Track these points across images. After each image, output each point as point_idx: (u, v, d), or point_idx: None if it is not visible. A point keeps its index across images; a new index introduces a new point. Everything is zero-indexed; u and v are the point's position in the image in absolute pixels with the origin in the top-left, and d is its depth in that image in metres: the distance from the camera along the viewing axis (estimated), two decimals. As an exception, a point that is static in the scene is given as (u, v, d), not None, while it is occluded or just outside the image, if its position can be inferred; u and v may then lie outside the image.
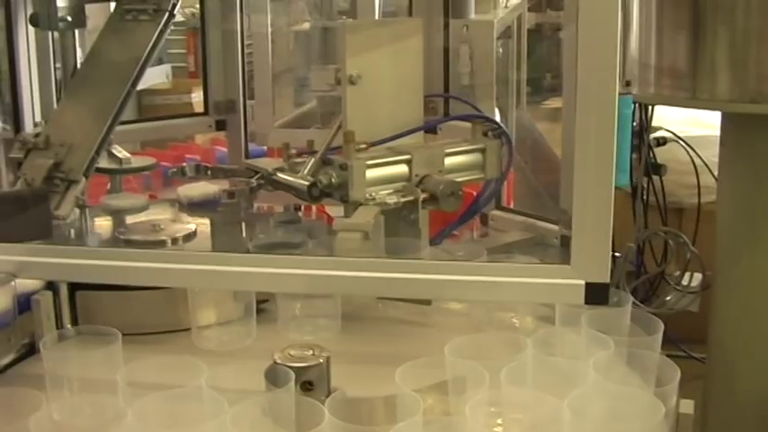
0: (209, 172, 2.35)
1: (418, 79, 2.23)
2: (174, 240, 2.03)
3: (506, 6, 3.33)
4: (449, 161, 2.19)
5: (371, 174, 2.08)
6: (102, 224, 2.22)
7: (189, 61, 6.73)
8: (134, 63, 2.26)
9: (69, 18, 2.27)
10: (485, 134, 2.26)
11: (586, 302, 1.57)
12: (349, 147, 2.08)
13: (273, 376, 1.49)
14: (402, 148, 2.16)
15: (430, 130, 2.42)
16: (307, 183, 2.11)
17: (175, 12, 2.35)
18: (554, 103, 6.13)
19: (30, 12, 2.34)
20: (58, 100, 2.47)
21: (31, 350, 1.79)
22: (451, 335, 1.65)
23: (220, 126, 2.73)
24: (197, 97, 5.82)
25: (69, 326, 1.82)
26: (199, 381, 1.47)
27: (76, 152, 2.14)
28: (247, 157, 2.73)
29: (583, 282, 1.55)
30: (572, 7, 2.20)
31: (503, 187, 2.54)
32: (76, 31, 2.42)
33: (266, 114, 2.82)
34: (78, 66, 2.37)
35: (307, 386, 1.50)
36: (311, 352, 1.54)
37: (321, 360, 1.52)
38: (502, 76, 2.91)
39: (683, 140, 3.28)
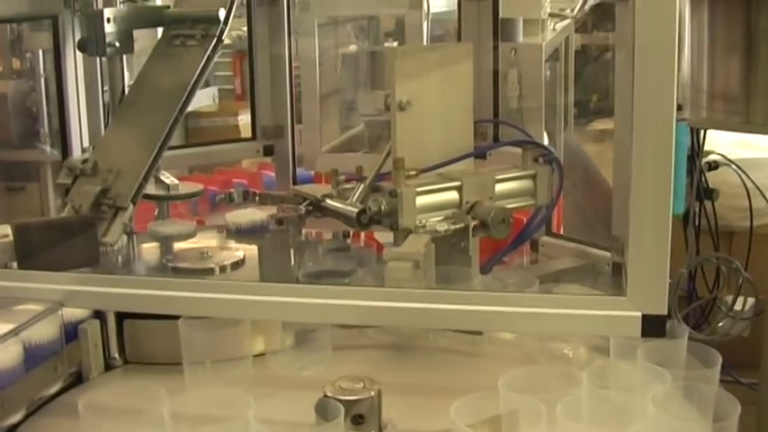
0: (256, 198, 2.34)
1: (468, 104, 2.21)
2: (222, 268, 2.01)
3: (554, 29, 3.30)
4: (499, 187, 2.16)
5: (421, 201, 2.06)
6: (150, 251, 2.21)
7: (235, 84, 6.73)
8: (182, 88, 2.25)
9: (117, 44, 2.26)
10: (535, 160, 2.23)
11: (643, 335, 1.53)
12: (399, 173, 2.05)
13: (323, 410, 1.46)
14: (452, 175, 2.13)
15: (479, 155, 2.39)
16: (356, 210, 2.09)
17: (223, 37, 2.34)
18: (600, 124, 6.07)
19: (78, 37, 2.36)
20: (105, 125, 2.48)
21: (78, 379, 1.78)
22: (503, 366, 1.63)
23: (268, 151, 2.71)
24: (243, 120, 5.81)
25: (117, 355, 1.81)
26: (247, 414, 1.45)
27: (124, 178, 2.14)
28: (295, 182, 2.71)
29: (639, 314, 1.51)
30: (624, 31, 2.18)
31: (553, 213, 2.50)
32: (124, 57, 2.42)
33: (314, 139, 2.79)
34: (126, 91, 2.36)
35: (357, 420, 1.48)
36: (362, 384, 1.51)
37: (372, 393, 1.49)
38: (549, 99, 2.88)
39: (734, 164, 3.22)
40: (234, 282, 1.79)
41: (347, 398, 1.48)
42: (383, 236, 2.48)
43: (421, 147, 2.13)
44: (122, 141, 2.22)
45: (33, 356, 1.64)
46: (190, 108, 2.28)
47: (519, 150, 2.27)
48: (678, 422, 1.49)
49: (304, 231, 2.29)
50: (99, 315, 1.79)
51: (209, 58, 2.31)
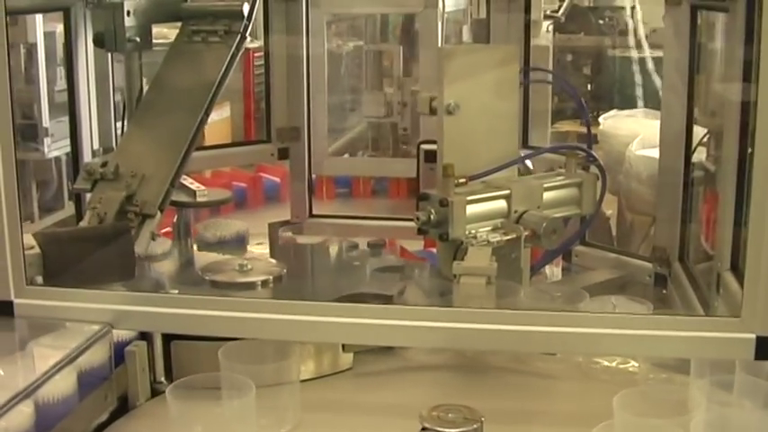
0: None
1: (514, 108, 2.09)
2: (264, 283, 1.87)
3: (548, 30, 3.22)
4: (546, 196, 2.06)
5: (471, 210, 1.94)
6: (183, 262, 2.06)
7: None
8: (206, 89, 2.12)
9: (138, 39, 2.12)
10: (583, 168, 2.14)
11: (757, 358, 1.43)
12: (448, 181, 1.93)
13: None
14: (498, 183, 2.02)
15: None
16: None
17: (247, 33, 2.21)
18: (564, 126, 6.03)
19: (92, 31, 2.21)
20: (116, 126, 2.33)
21: (123, 406, 1.62)
22: (580, 386, 1.59)
23: (283, 154, 2.57)
24: (212, 117, 5.57)
25: (163, 379, 1.66)
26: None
27: (150, 183, 2.00)
28: (311, 186, 2.58)
29: (754, 336, 1.42)
30: (678, 35, 2.10)
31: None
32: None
33: (321, 141, 2.67)
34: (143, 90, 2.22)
35: (463, 455, 1.36)
36: (461, 414, 1.39)
37: (476, 426, 1.37)
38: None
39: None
40: (289, 302, 1.63)
41: (450, 430, 1.35)
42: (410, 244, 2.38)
43: (467, 152, 2.01)
44: (144, 144, 2.09)
45: (85, 384, 1.48)
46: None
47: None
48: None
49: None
50: (144, 336, 1.64)
51: (233, 56, 2.18)
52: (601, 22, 5.44)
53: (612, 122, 4.32)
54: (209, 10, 2.22)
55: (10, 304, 1.55)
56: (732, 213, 1.75)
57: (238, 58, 2.19)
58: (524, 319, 1.47)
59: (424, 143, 2.52)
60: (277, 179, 3.20)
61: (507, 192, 1.99)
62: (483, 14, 2.58)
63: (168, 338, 1.66)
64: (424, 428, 1.36)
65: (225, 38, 2.19)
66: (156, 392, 1.65)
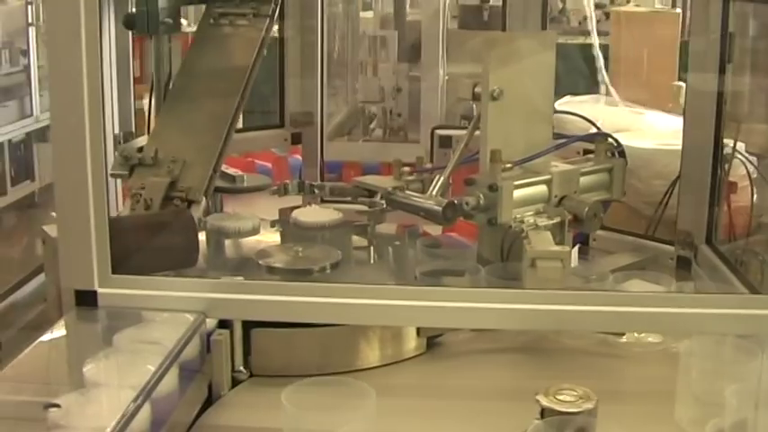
0: (315, 190, 2.19)
1: (550, 95, 2.12)
2: (323, 269, 1.86)
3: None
4: (582, 181, 2.09)
5: (516, 194, 1.97)
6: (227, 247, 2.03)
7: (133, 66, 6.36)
8: (240, 72, 2.09)
9: (170, 20, 2.08)
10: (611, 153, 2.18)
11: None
12: (496, 166, 1.95)
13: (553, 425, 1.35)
14: (537, 168, 2.05)
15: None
16: (442, 203, 1.97)
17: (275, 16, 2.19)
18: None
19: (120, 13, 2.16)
20: (137, 110, 2.28)
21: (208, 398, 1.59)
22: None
23: (296, 139, 2.55)
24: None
25: (242, 368, 1.64)
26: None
27: (193, 169, 1.97)
28: (322, 172, 2.57)
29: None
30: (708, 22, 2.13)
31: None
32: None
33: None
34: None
35: (580, 435, 1.38)
36: (577, 395, 1.40)
37: (592, 405, 1.39)
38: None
39: None
40: (369, 286, 1.62)
41: (571, 410, 1.37)
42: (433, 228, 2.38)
43: (508, 138, 2.03)
44: (180, 130, 2.05)
45: (184, 377, 1.46)
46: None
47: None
48: None
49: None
50: (224, 324, 1.61)
51: (264, 39, 2.15)
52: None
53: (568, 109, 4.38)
54: (237, -7, 2.19)
55: (93, 294, 1.52)
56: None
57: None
58: (610, 300, 1.51)
59: (438, 128, 2.55)
60: (268, 164, 3.16)
61: (549, 177, 2.02)
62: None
63: (247, 327, 1.63)
64: (543, 409, 1.38)
65: (254, 21, 2.16)
66: (235, 381, 1.63)
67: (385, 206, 2.06)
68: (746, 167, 2.47)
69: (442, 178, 2.07)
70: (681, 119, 4.77)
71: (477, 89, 2.04)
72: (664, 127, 3.97)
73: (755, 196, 2.37)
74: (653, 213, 2.50)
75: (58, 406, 1.23)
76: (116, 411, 1.21)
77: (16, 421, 1.25)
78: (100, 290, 1.51)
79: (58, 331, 1.49)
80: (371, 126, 3.03)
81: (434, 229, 2.40)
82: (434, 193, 2.05)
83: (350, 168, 2.98)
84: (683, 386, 1.53)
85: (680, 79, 5.80)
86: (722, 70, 2.10)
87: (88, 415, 1.23)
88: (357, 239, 2.10)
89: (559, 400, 1.40)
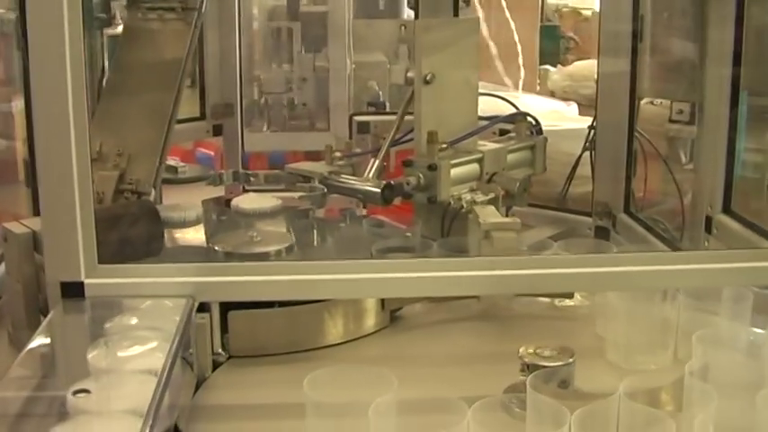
0: (251, 179, 2.24)
1: (475, 78, 2.22)
2: (278, 253, 1.91)
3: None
4: (509, 158, 2.21)
5: (453, 173, 2.07)
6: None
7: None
8: (174, 65, 2.12)
9: (104, 16, 2.10)
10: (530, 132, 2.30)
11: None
12: (433, 147, 2.05)
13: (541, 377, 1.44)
14: (467, 147, 2.15)
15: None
16: (381, 185, 2.06)
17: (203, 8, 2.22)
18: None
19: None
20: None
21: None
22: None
23: (217, 131, 2.58)
24: (19, 106, 5.25)
25: (221, 350, 1.68)
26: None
27: (139, 161, 2.00)
28: (244, 163, 2.61)
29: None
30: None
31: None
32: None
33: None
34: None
35: (562, 386, 1.48)
36: (556, 352, 1.51)
37: (571, 360, 1.50)
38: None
39: None
40: (370, 261, 1.70)
41: (552, 364, 1.48)
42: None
43: (441, 120, 2.13)
44: (120, 124, 2.07)
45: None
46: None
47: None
48: None
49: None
50: (203, 308, 1.65)
51: (195, 32, 2.19)
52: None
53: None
54: (160, -15, 2.21)
55: (80, 285, 1.53)
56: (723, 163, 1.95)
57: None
58: (561, 263, 1.61)
59: (356, 115, 2.63)
60: (211, 153, 3.16)
61: (481, 155, 2.13)
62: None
63: (225, 309, 1.68)
64: (528, 365, 1.48)
65: (182, 14, 2.19)
66: (216, 364, 1.67)
67: (325, 191, 2.13)
68: (641, 144, 2.63)
69: (377, 161, 2.16)
70: (551, 101, 4.99)
71: (410, 74, 2.14)
72: (539, 108, 4.18)
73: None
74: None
75: (87, 391, 1.25)
76: (141, 395, 1.23)
77: (40, 417, 1.26)
78: (87, 280, 1.53)
79: (49, 325, 1.50)
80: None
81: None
82: (370, 175, 2.14)
83: (255, 159, 3.03)
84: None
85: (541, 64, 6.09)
86: (634, 50, 2.25)
87: (117, 397, 1.26)
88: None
89: (541, 356, 1.50)
